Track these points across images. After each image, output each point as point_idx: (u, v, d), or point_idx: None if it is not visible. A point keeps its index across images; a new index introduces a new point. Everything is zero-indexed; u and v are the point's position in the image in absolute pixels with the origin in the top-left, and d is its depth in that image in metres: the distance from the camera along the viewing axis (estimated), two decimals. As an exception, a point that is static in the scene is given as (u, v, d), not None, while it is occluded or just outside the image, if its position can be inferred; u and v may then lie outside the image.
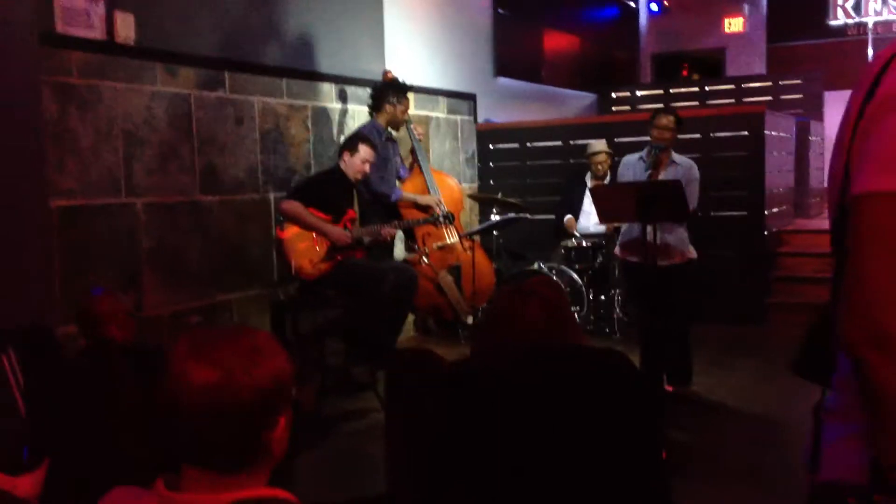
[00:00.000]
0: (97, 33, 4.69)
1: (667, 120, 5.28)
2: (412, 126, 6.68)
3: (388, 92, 6.28)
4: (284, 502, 1.37)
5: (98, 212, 4.69)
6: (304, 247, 5.36)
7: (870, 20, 12.18)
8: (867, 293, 1.14)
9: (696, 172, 5.33)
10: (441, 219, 6.13)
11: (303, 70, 6.22)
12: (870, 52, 12.00)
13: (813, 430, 1.31)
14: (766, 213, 7.71)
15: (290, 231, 5.35)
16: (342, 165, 5.59)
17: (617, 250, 5.78)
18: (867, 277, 1.14)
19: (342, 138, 6.23)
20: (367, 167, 5.59)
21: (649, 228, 5.13)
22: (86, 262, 4.61)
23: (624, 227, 5.62)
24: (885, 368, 1.11)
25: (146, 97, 4.97)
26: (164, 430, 1.38)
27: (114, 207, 4.79)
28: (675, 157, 5.36)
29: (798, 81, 11.25)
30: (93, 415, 2.46)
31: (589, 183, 7.07)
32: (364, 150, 5.56)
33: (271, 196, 5.86)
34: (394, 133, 6.45)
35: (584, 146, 7.37)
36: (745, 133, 7.67)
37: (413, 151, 6.78)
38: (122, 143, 4.82)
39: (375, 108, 6.32)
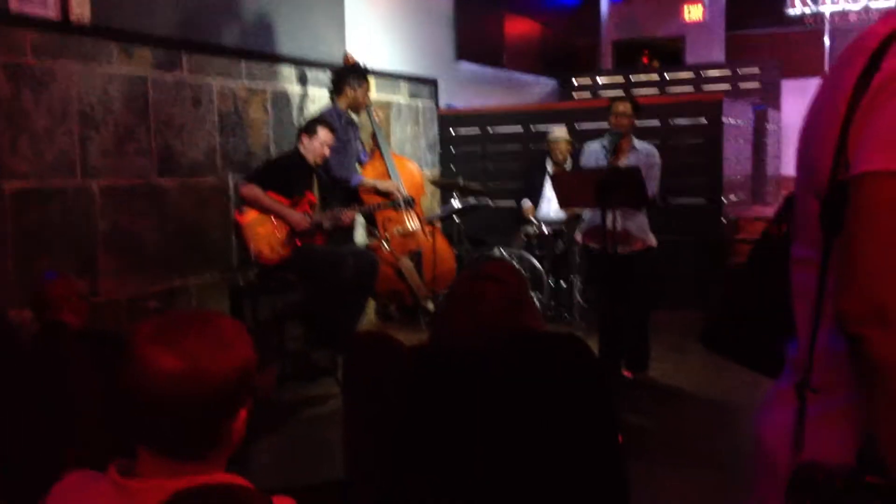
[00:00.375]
0: (51, 12, 4.60)
1: (624, 107, 5.31)
2: (372, 110, 6.65)
3: (348, 75, 6.24)
4: (239, 488, 1.36)
5: (53, 194, 4.61)
6: (264, 231, 5.32)
7: (827, 10, 12.32)
8: (868, 269, 1.14)
9: (656, 158, 5.37)
10: (401, 203, 6.11)
11: (262, 52, 6.15)
12: (826, 41, 12.16)
13: (797, 408, 1.31)
14: (723, 200, 7.79)
15: (250, 215, 5.31)
16: (301, 149, 5.54)
17: (578, 237, 5.81)
18: (868, 254, 1.15)
19: (302, 121, 6.18)
20: (326, 150, 5.56)
21: (609, 215, 5.17)
22: (40, 246, 4.53)
23: (587, 214, 5.65)
24: (883, 344, 1.12)
25: (102, 78, 4.89)
26: (122, 414, 1.36)
27: (69, 190, 4.71)
28: (637, 143, 5.39)
29: (756, 70, 11.37)
30: (45, 398, 2.42)
31: (549, 169, 7.09)
32: (323, 133, 5.52)
33: (230, 179, 5.80)
34: (354, 117, 6.41)
35: (546, 132, 7.39)
36: (704, 121, 7.74)
37: (374, 136, 6.75)
38: (77, 125, 4.74)
39: (336, 91, 6.27)
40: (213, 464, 1.40)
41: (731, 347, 1.68)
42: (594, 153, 5.44)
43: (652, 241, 5.45)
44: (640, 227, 5.37)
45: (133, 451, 1.38)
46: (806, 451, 1.28)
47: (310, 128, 5.56)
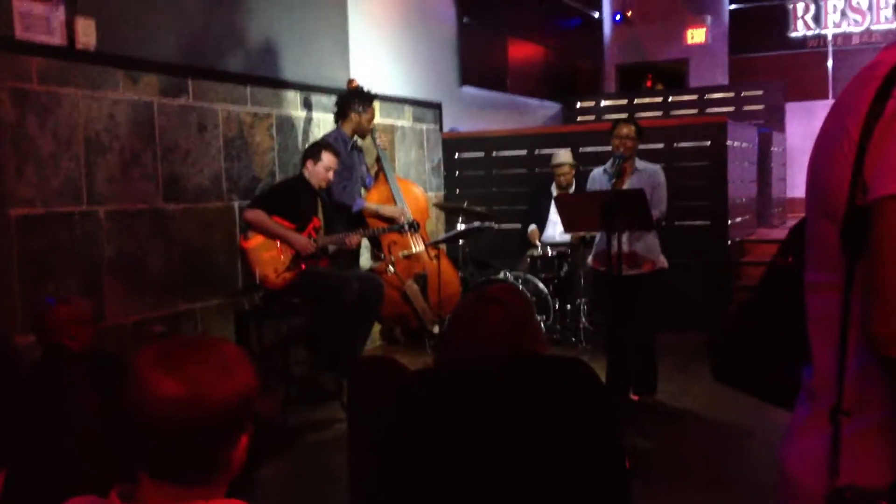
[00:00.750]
0: (57, 39, 4.64)
1: (627, 129, 5.32)
2: (377, 135, 6.67)
3: (353, 100, 6.27)
4: (240, 512, 1.35)
5: (58, 220, 4.63)
6: (269, 256, 5.33)
7: (829, 32, 12.38)
8: (894, 292, 1.15)
9: (661, 178, 5.36)
10: (406, 227, 6.11)
11: (267, 77, 6.19)
12: (829, 63, 12.21)
13: (830, 433, 1.30)
14: (728, 222, 7.78)
15: (255, 240, 5.32)
16: (306, 173, 5.56)
17: (590, 260, 5.79)
18: (893, 277, 1.16)
19: (307, 146, 6.21)
20: (330, 174, 5.58)
21: (614, 237, 5.17)
22: (46, 271, 4.54)
23: (597, 237, 5.63)
24: None
25: (107, 104, 4.92)
26: (123, 438, 1.36)
27: (74, 215, 4.73)
28: (640, 164, 5.39)
29: (760, 92, 11.40)
30: (47, 423, 2.42)
31: (554, 192, 7.10)
32: (327, 158, 5.54)
33: (235, 204, 5.82)
34: (359, 141, 6.44)
35: (550, 155, 7.40)
36: (708, 143, 7.75)
37: (378, 160, 6.77)
38: (82, 151, 4.77)
39: (341, 116, 6.30)
40: (214, 489, 1.40)
41: (741, 379, 1.68)
42: (598, 179, 5.45)
43: (662, 262, 5.43)
44: (648, 248, 5.35)
45: (135, 476, 1.38)
46: (844, 470, 1.27)
47: (314, 152, 5.58)
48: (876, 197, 1.19)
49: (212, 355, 1.36)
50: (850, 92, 1.30)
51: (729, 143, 7.77)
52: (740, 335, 1.66)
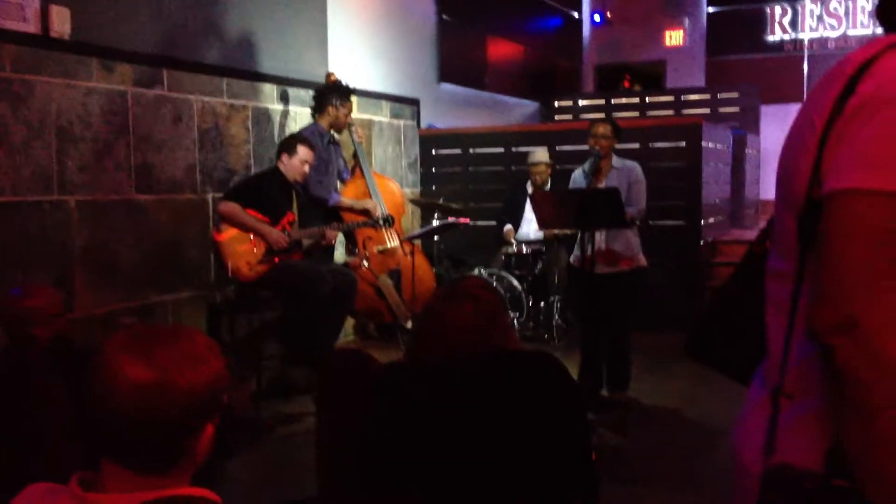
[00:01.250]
0: (31, 27, 4.59)
1: (603, 129, 5.34)
2: (354, 129, 6.65)
3: (330, 94, 6.25)
4: (203, 500, 1.34)
5: (29, 209, 4.58)
6: (242, 249, 5.30)
7: (806, 36, 12.48)
8: (841, 283, 1.19)
9: (638, 174, 5.38)
10: (380, 221, 6.10)
11: (244, 70, 6.15)
12: (805, 67, 12.30)
13: (770, 413, 1.35)
14: (702, 222, 7.83)
15: (228, 233, 5.29)
16: (281, 167, 5.54)
17: (573, 258, 5.80)
18: (842, 268, 1.19)
19: (282, 139, 6.18)
20: (306, 168, 5.55)
21: (588, 235, 5.19)
22: (15, 261, 4.49)
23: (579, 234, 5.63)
24: (854, 356, 1.17)
25: (81, 93, 4.87)
26: (89, 423, 1.35)
27: (45, 205, 4.68)
28: (617, 162, 5.41)
29: (735, 95, 11.47)
30: (13, 412, 2.40)
31: (529, 191, 7.12)
32: (302, 152, 5.52)
33: (209, 196, 5.78)
34: (336, 136, 6.42)
35: (527, 153, 7.42)
36: (683, 144, 7.79)
37: (355, 155, 6.75)
38: (54, 140, 4.72)
39: (318, 110, 6.28)
40: (178, 478, 1.39)
41: (713, 357, 1.73)
42: (578, 179, 5.48)
43: (641, 261, 5.44)
44: (626, 245, 5.37)
45: (98, 466, 1.37)
46: (778, 454, 1.32)
47: (289, 146, 5.56)
48: (828, 191, 1.23)
49: (182, 343, 1.36)
50: (819, 88, 1.34)
51: (704, 144, 7.82)
52: (715, 316, 1.72)
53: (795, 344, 1.33)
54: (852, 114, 1.23)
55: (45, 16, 4.64)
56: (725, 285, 1.71)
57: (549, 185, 7.11)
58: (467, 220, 6.76)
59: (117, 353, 1.31)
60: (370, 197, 6.58)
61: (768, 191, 11.63)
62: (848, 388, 1.18)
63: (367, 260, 6.62)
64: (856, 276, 1.18)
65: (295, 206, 5.59)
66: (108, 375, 1.30)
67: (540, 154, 7.19)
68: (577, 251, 5.57)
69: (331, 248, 6.37)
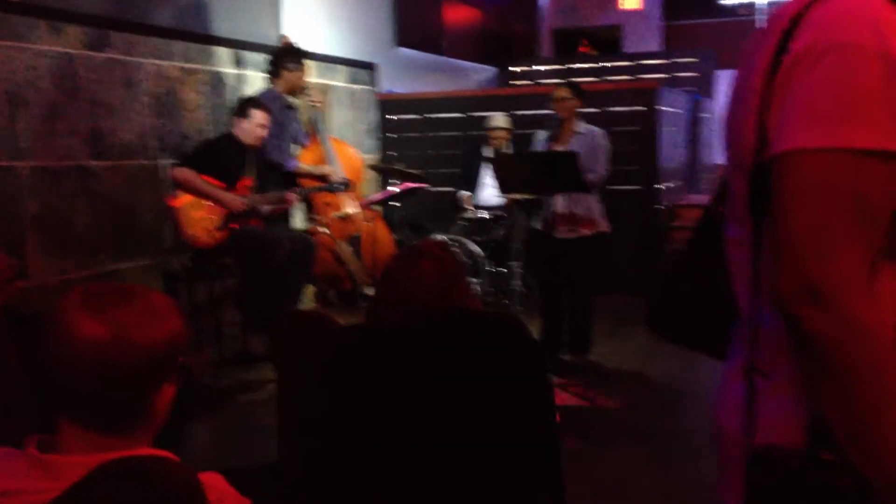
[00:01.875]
0: (-25, -13, 4.45)
1: (563, 92, 5.34)
2: (309, 93, 6.57)
3: (285, 58, 6.16)
4: (164, 460, 1.33)
5: (-23, 175, 4.48)
6: (199, 215, 5.23)
7: (758, 1, 12.55)
8: (798, 249, 1.14)
9: (600, 140, 5.39)
10: (338, 186, 6.04)
11: (197, 33, 6.04)
12: (759, 32, 12.38)
13: (745, 393, 1.30)
14: (659, 187, 7.89)
15: (183, 199, 5.21)
16: (236, 131, 5.46)
17: (536, 222, 5.80)
18: (797, 233, 1.15)
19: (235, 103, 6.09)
20: (261, 131, 5.48)
21: (548, 199, 5.20)
22: (-36, 228, 4.40)
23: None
24: (819, 322, 1.12)
25: (29, 56, 4.75)
26: (45, 383, 1.33)
27: (-6, 171, 4.57)
28: (583, 127, 5.42)
29: (693, 60, 11.53)
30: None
31: (485, 155, 7.10)
32: (258, 115, 5.44)
33: (164, 162, 5.69)
34: (293, 101, 6.34)
35: (485, 118, 7.39)
36: (641, 108, 7.82)
37: (312, 120, 6.68)
38: (4, 104, 4.60)
39: (273, 74, 6.19)
40: (137, 440, 1.38)
41: (675, 331, 1.68)
42: (540, 141, 5.48)
43: (603, 225, 5.46)
44: (588, 211, 5.38)
45: (55, 429, 1.35)
46: (760, 430, 1.28)
47: (243, 109, 5.48)
48: (773, 153, 1.19)
49: (138, 300, 1.34)
50: (753, 45, 1.29)
51: (660, 108, 7.85)
52: (673, 287, 1.66)
53: (762, 315, 1.29)
54: (788, 68, 1.18)
55: (-11, -24, 4.51)
56: (682, 253, 1.64)
57: (508, 150, 7.10)
58: (418, 185, 6.70)
59: (73, 311, 1.29)
60: (327, 163, 6.52)
61: (722, 155, 11.75)
62: (818, 355, 1.14)
63: (326, 226, 6.58)
64: (812, 242, 1.13)
65: (252, 170, 5.51)
66: (64, 333, 1.28)
67: (498, 119, 7.17)
68: (541, 215, 5.59)
69: (287, 214, 6.32)
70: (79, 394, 1.30)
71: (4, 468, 1.33)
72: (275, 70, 6.16)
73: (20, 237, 4.71)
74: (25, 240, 4.74)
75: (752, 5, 12.57)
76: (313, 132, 6.65)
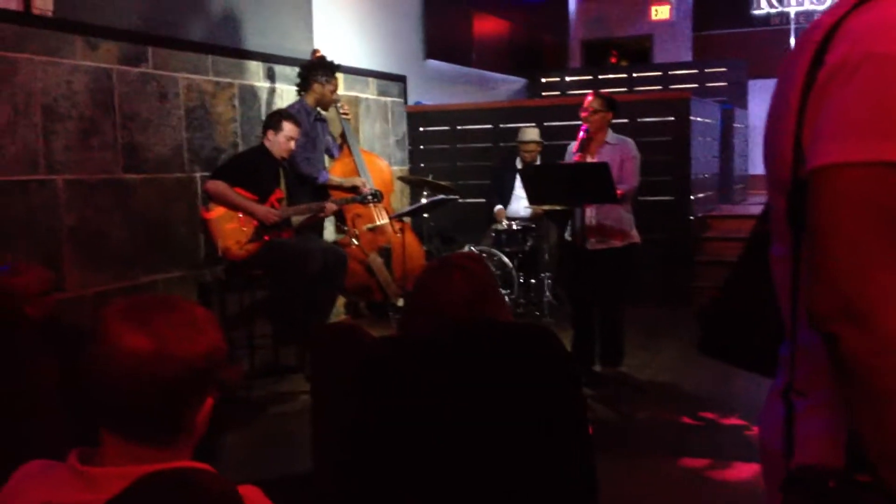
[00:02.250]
0: (13, 4, 4.53)
1: (595, 103, 5.32)
2: (339, 105, 6.60)
3: (316, 71, 6.20)
4: (204, 473, 1.34)
5: (15, 188, 4.54)
6: (231, 227, 5.27)
7: (792, 10, 12.46)
8: (833, 266, 1.12)
9: (631, 150, 5.35)
10: (368, 197, 6.03)
11: (229, 47, 6.10)
12: (792, 41, 12.29)
13: (784, 414, 1.29)
14: (691, 197, 7.84)
15: (216, 211, 5.26)
16: (267, 144, 5.49)
17: (567, 233, 5.79)
18: (832, 250, 1.12)
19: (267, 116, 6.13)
20: (292, 144, 5.51)
21: (579, 211, 5.18)
22: (2, 241, 4.45)
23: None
24: (856, 341, 1.09)
25: (65, 71, 4.82)
26: (87, 394, 1.34)
27: (32, 184, 4.64)
28: (612, 137, 5.39)
29: (723, 69, 11.46)
30: (3, 392, 2.38)
31: (518, 167, 7.10)
32: (288, 127, 5.47)
33: (197, 175, 5.74)
34: (323, 113, 6.38)
35: (514, 130, 7.39)
36: (672, 118, 7.79)
37: (342, 133, 6.72)
38: (40, 118, 4.67)
39: (303, 87, 6.23)
40: (177, 452, 1.38)
41: (726, 351, 1.65)
42: (570, 153, 5.46)
43: (634, 237, 5.42)
44: (618, 220, 5.34)
45: (94, 443, 1.36)
46: (797, 450, 1.26)
47: (274, 122, 5.51)
48: (809, 168, 1.16)
49: (180, 313, 1.35)
50: (790, 59, 1.27)
51: (692, 118, 7.82)
52: (723, 307, 1.63)
53: (801, 334, 1.26)
54: (824, 82, 1.16)
55: (27, -7, 4.58)
56: (733, 273, 1.61)
57: (538, 163, 7.11)
58: (456, 197, 6.73)
59: (115, 322, 1.30)
60: (358, 175, 6.55)
61: (756, 166, 11.66)
62: (856, 375, 1.11)
63: (357, 238, 6.61)
64: (847, 259, 1.11)
65: (283, 183, 5.55)
66: (107, 344, 1.29)
67: (530, 132, 7.18)
68: (571, 226, 5.57)
69: (320, 226, 6.35)
70: (120, 406, 1.31)
71: (46, 480, 1.35)
72: (305, 83, 6.20)
73: (56, 250, 4.77)
74: (61, 252, 4.80)
75: (786, 14, 12.48)
76: (344, 144, 6.69)
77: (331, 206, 5.64)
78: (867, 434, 1.14)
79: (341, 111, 6.62)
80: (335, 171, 6.50)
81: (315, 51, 6.65)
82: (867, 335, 1.09)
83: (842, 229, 1.12)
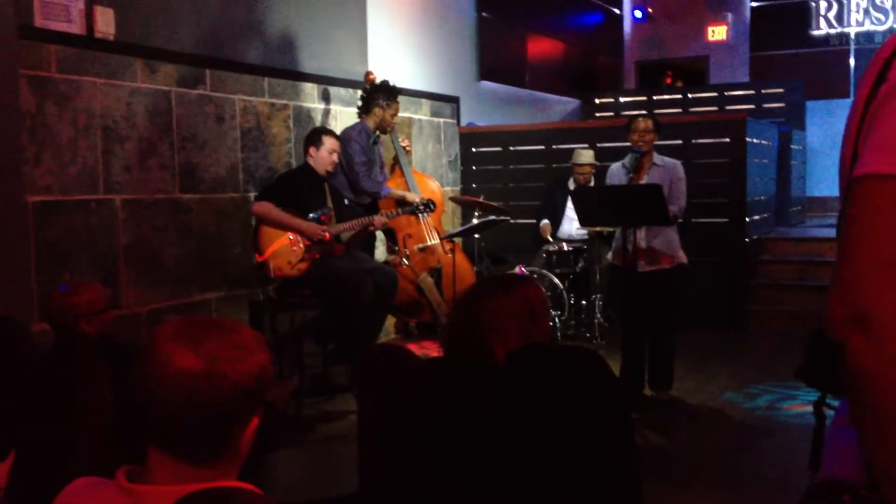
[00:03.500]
0: (76, 28, 4.66)
1: (644, 124, 5.29)
2: (399, 138, 6.66)
3: (377, 95, 6.26)
4: (248, 493, 1.35)
5: (75, 208, 4.65)
6: (282, 247, 5.32)
7: (852, 30, 12.26)
8: (850, 272, 1.11)
9: (680, 172, 5.33)
10: (420, 207, 5.96)
11: (285, 69, 6.19)
12: (852, 62, 12.10)
13: (815, 427, 1.28)
14: (746, 219, 7.73)
15: (268, 253, 5.29)
16: (310, 161, 5.53)
17: (610, 255, 5.77)
18: (852, 256, 1.12)
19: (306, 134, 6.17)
20: (335, 157, 5.53)
21: (629, 232, 5.15)
22: (62, 259, 4.56)
23: (617, 232, 5.58)
24: (861, 350, 1.08)
25: (125, 93, 4.93)
26: (136, 411, 1.36)
27: (91, 203, 4.75)
28: (658, 158, 5.36)
29: (780, 90, 11.30)
30: (57, 408, 2.43)
31: (571, 188, 7.08)
32: (329, 142, 5.50)
33: (251, 195, 5.82)
34: (380, 135, 6.43)
35: (567, 151, 7.37)
36: (727, 139, 7.70)
37: (396, 157, 6.77)
38: (100, 139, 4.78)
39: (365, 110, 6.29)
40: (223, 472, 1.40)
41: (828, 380, 1.63)
42: (616, 174, 5.43)
43: (682, 258, 5.38)
44: (667, 243, 5.30)
45: (143, 461, 1.38)
46: (825, 469, 1.25)
47: (314, 138, 5.55)
48: (852, 176, 1.17)
49: (230, 334, 1.37)
50: (864, 74, 1.29)
51: (748, 139, 7.72)
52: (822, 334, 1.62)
53: None
54: (883, 98, 1.17)
55: (89, 16, 4.71)
56: None
57: (591, 184, 7.08)
58: (507, 218, 6.73)
59: (167, 342, 1.33)
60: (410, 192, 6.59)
61: (814, 187, 11.46)
62: (860, 388, 1.09)
63: (408, 258, 6.63)
64: (865, 268, 1.09)
65: (329, 201, 5.58)
66: (158, 363, 1.32)
67: (585, 155, 7.16)
68: (614, 247, 5.53)
69: (371, 245, 6.37)
70: (169, 424, 1.33)
71: (94, 497, 1.37)
72: (366, 106, 6.27)
73: (113, 268, 4.87)
74: (118, 270, 4.90)
75: (845, 35, 12.29)
76: (396, 164, 6.74)
77: (380, 218, 5.62)
78: (869, 450, 1.12)
79: (403, 144, 6.70)
80: (388, 192, 6.55)
81: (368, 72, 6.71)
82: (873, 347, 1.08)
83: (864, 238, 1.12)
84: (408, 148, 6.80)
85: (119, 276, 4.90)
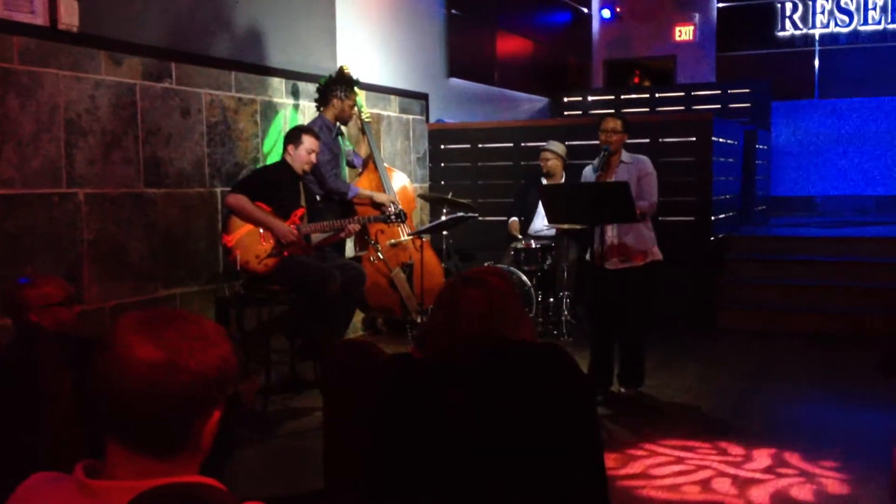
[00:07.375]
0: (39, 19, 4.59)
1: (612, 123, 5.31)
2: (369, 125, 6.64)
3: (334, 86, 6.21)
4: (209, 489, 1.33)
5: (37, 201, 4.58)
6: (251, 242, 5.28)
7: (816, 32, 12.41)
8: None
9: (648, 167, 5.34)
10: (392, 218, 5.96)
11: (252, 63, 6.14)
12: (816, 63, 12.23)
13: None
14: (712, 218, 7.80)
15: (236, 234, 5.25)
16: (288, 159, 5.49)
17: (588, 255, 5.75)
18: None
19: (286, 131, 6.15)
20: (313, 157, 5.50)
21: (599, 230, 5.16)
22: (23, 253, 4.49)
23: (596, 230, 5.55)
24: None
25: (89, 85, 4.87)
26: (95, 404, 1.33)
27: (54, 197, 4.68)
28: (627, 156, 5.38)
29: (746, 90, 11.40)
30: (19, 402, 2.39)
31: (544, 183, 7.09)
32: (308, 141, 5.46)
33: (218, 190, 5.78)
34: (343, 128, 6.40)
35: (536, 148, 7.38)
36: (693, 139, 7.76)
37: (371, 154, 6.75)
38: (63, 132, 4.72)
39: (322, 102, 6.24)
40: (185, 466, 1.37)
41: None
42: (587, 175, 5.44)
43: (656, 254, 5.39)
44: (639, 239, 5.32)
45: (103, 454, 1.36)
46: None
47: (294, 136, 5.51)
48: None
49: (191, 326, 1.35)
50: None
51: (714, 139, 7.78)
52: None
53: None
54: None
55: (53, 8, 4.64)
56: None
57: (563, 180, 7.11)
58: (475, 215, 6.74)
59: (127, 333, 1.30)
60: (384, 190, 6.56)
61: (778, 187, 11.59)
62: None
63: (381, 252, 6.61)
64: None
65: (303, 199, 5.55)
66: (118, 354, 1.29)
67: (553, 143, 7.19)
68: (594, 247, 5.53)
69: (342, 242, 6.34)
70: (129, 416, 1.30)
71: (51, 492, 1.34)
72: (324, 98, 6.22)
73: (76, 263, 4.81)
74: (82, 265, 4.83)
75: (810, 36, 12.43)
76: (370, 160, 6.73)
77: (354, 226, 5.59)
78: None
79: (364, 116, 6.65)
80: (361, 186, 6.52)
81: (342, 67, 6.65)
82: None
83: None
84: (369, 119, 6.76)
85: (82, 270, 4.84)
